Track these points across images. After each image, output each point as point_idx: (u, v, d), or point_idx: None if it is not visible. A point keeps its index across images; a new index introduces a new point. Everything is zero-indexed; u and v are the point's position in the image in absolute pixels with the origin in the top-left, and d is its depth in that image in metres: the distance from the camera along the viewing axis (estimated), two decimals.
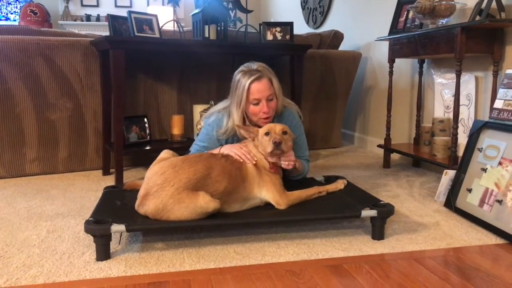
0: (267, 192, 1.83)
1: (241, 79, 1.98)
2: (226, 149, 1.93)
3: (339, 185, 2.06)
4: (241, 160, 1.86)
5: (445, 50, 2.45)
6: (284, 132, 1.90)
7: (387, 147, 3.07)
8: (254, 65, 2.02)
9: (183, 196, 1.63)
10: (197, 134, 2.45)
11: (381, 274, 1.49)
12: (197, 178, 1.68)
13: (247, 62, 2.09)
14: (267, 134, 1.87)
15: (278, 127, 1.89)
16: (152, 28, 2.66)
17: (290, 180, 2.08)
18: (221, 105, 2.14)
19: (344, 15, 4.30)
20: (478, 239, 1.79)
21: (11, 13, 5.96)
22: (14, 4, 6.00)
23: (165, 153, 1.90)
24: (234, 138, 2.09)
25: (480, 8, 2.38)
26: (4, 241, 1.74)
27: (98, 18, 6.40)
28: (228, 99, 2.11)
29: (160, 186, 1.65)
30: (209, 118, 2.13)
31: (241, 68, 2.04)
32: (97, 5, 6.50)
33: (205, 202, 1.63)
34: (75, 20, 6.34)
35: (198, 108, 2.93)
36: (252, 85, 1.96)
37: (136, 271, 1.49)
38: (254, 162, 1.87)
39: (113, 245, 1.66)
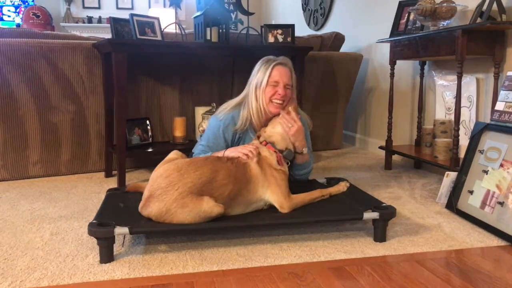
0: (272, 193, 1.83)
1: (265, 64, 2.06)
2: (231, 152, 1.95)
3: (342, 187, 2.07)
4: (248, 159, 1.87)
5: (446, 52, 2.46)
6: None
7: (389, 149, 3.08)
8: (279, 57, 2.11)
9: (187, 200, 1.64)
10: (200, 136, 2.46)
11: (383, 276, 1.49)
12: (202, 182, 1.69)
13: (248, 64, 2.13)
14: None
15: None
16: (154, 31, 2.67)
17: (292, 182, 2.08)
18: (232, 102, 2.15)
19: (345, 17, 4.31)
20: (479, 241, 1.80)
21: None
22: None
23: (173, 154, 1.91)
24: (240, 135, 2.11)
25: (481, 10, 2.39)
26: (8, 244, 1.75)
27: (99, 20, 6.43)
28: (241, 94, 2.14)
29: (164, 190, 1.65)
30: (218, 116, 2.13)
31: (266, 57, 2.12)
32: (99, 7, 6.52)
33: (209, 207, 1.64)
34: (76, 22, 6.37)
35: (200, 110, 2.93)
36: (275, 67, 2.04)
37: (140, 274, 1.50)
38: (257, 158, 1.88)
39: (117, 248, 1.67)
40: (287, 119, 1.99)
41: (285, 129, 1.97)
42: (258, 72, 2.07)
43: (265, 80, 2.03)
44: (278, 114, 2.05)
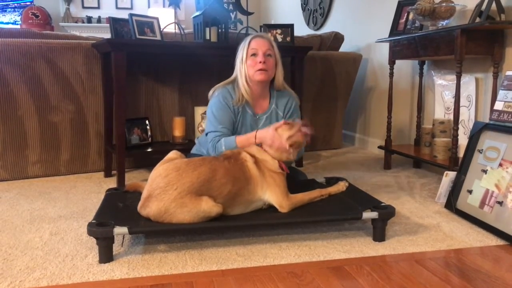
0: (271, 194, 1.83)
1: (244, 40, 2.14)
2: (263, 133, 1.95)
3: (341, 187, 2.07)
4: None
5: (445, 52, 2.46)
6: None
7: (388, 148, 3.08)
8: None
9: (186, 200, 1.64)
10: (197, 138, 2.46)
11: (382, 275, 1.50)
12: (201, 182, 1.69)
13: None
14: (287, 123, 1.92)
15: (298, 123, 1.96)
16: (153, 31, 2.67)
17: (292, 182, 2.08)
18: (222, 82, 2.19)
19: (345, 16, 4.31)
20: (478, 241, 1.80)
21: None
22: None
23: (173, 154, 1.90)
24: (239, 110, 2.13)
25: (480, 10, 2.39)
26: (7, 244, 1.75)
27: (99, 20, 6.42)
28: (231, 77, 2.19)
29: (163, 189, 1.65)
30: (213, 95, 2.17)
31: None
32: (98, 7, 6.51)
33: (208, 207, 1.64)
34: (76, 22, 6.36)
35: (199, 110, 2.93)
36: (253, 39, 2.11)
37: (139, 273, 1.50)
38: (254, 159, 1.88)
39: (116, 247, 1.67)
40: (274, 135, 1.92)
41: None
42: (239, 50, 2.14)
43: (245, 53, 2.09)
44: (264, 80, 2.10)
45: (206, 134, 2.15)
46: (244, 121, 2.15)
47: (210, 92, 2.20)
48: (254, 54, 2.08)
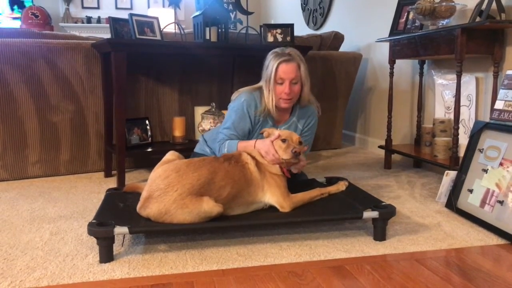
0: (272, 195, 1.84)
1: (272, 60, 2.09)
2: (261, 145, 1.93)
3: (341, 186, 2.07)
4: (268, 159, 1.88)
5: (445, 51, 2.46)
6: (300, 142, 1.94)
7: (388, 148, 3.08)
8: (287, 50, 2.12)
9: (187, 201, 1.63)
10: (201, 136, 2.45)
11: (383, 275, 1.49)
12: (201, 184, 1.69)
13: (248, 64, 2.11)
14: (284, 141, 1.90)
15: (295, 136, 1.94)
16: (153, 31, 2.67)
17: (292, 182, 2.08)
18: (248, 87, 2.19)
19: (345, 16, 4.31)
20: (479, 240, 1.80)
21: None
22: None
23: (170, 155, 1.91)
24: (260, 119, 2.14)
25: (480, 9, 2.39)
26: (7, 244, 1.75)
27: (99, 20, 6.42)
28: (258, 84, 2.19)
29: (163, 191, 1.65)
30: (239, 97, 2.15)
31: (275, 50, 2.14)
32: (98, 7, 6.52)
33: (209, 208, 1.64)
34: (76, 22, 6.36)
35: (199, 110, 2.93)
36: (280, 65, 2.06)
37: (139, 273, 1.49)
38: (255, 161, 1.88)
39: (116, 247, 1.67)
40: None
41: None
42: (267, 67, 2.10)
43: (272, 78, 2.07)
44: (288, 107, 2.12)
45: (219, 132, 2.17)
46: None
47: (235, 95, 2.20)
48: (281, 82, 2.06)
